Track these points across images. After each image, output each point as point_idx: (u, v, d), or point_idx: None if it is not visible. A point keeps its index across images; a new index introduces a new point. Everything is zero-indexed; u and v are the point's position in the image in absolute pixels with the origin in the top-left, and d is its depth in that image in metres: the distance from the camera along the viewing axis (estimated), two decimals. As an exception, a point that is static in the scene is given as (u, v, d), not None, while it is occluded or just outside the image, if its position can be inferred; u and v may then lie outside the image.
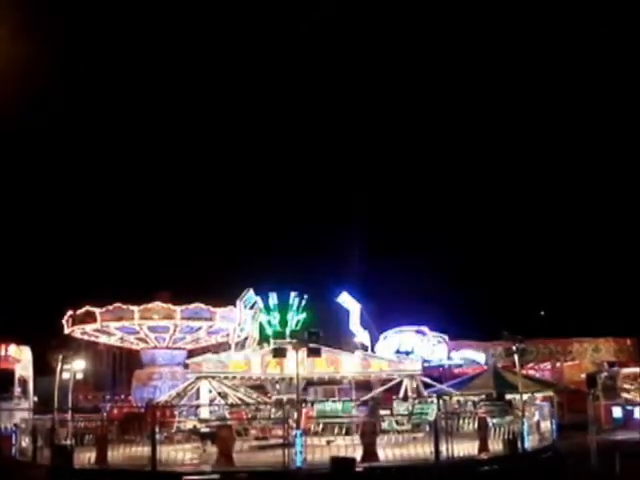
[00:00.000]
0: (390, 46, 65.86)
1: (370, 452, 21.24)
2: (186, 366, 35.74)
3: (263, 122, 67.55)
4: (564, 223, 63.29)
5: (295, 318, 34.80)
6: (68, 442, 23.00)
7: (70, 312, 40.86)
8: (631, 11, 54.59)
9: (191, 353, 41.57)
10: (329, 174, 65.59)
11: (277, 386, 33.99)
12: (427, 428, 25.67)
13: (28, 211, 58.35)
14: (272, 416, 27.08)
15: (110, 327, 40.18)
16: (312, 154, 65.12)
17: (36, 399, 36.78)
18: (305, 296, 35.19)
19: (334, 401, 32.35)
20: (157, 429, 21.90)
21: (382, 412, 27.81)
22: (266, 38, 64.66)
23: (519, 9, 63.30)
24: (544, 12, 62.27)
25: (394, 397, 32.81)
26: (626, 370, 42.79)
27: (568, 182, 64.17)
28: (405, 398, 32.03)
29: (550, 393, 37.66)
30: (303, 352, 25.81)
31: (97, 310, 39.64)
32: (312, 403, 31.05)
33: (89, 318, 40.09)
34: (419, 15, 63.89)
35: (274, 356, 29.54)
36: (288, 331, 33.95)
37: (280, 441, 21.89)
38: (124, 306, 39.43)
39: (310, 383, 35.97)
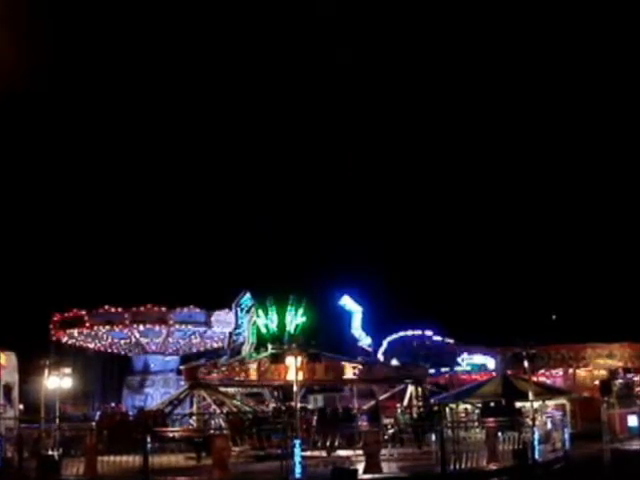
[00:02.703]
0: (387, 53, 66.50)
1: (373, 463, 21.22)
2: (179, 372, 35.78)
3: (262, 123, 67.82)
4: (578, 224, 63.30)
5: (294, 322, 34.78)
6: (55, 452, 22.98)
7: (57, 316, 40.89)
8: (631, 11, 54.98)
9: (185, 359, 41.59)
10: (329, 173, 65.71)
11: (275, 393, 34.01)
12: (433, 437, 25.65)
13: (13, 212, 58.32)
14: (270, 425, 27.07)
15: (99, 331, 40.21)
16: (311, 155, 65.33)
17: (22, 407, 36.74)
18: (304, 299, 35.19)
19: (335, 409, 32.33)
20: (149, 438, 21.89)
21: (386, 421, 27.83)
22: (266, 38, 65.12)
23: (519, 9, 63.78)
24: (544, 12, 62.69)
25: (398, 405, 32.82)
26: (642, 377, 42.71)
27: (585, 185, 64.29)
28: (410, 406, 32.05)
29: (562, 401, 37.60)
30: (302, 357, 25.81)
31: (86, 314, 39.66)
32: (312, 411, 31.06)
33: (77, 322, 40.14)
34: (419, 14, 64.40)
35: (272, 362, 29.57)
36: (287, 336, 33.95)
37: (278, 451, 21.89)
38: (114, 309, 39.47)
39: (310, 390, 36.01)
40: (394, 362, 36.31)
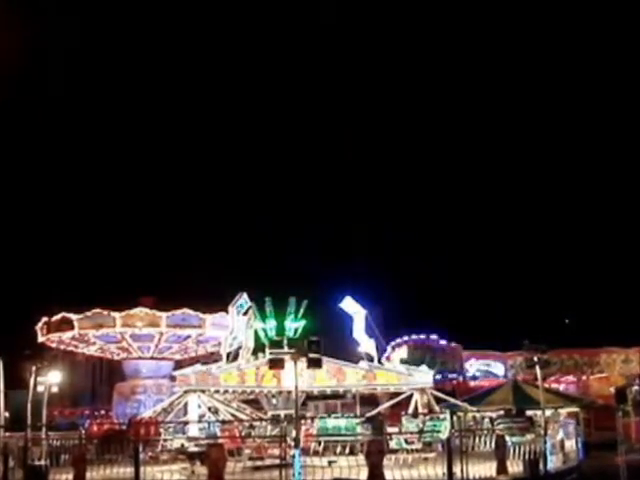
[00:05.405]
0: (385, 60, 66.95)
1: (376, 474, 21.23)
2: (173, 378, 35.72)
3: (262, 125, 68.22)
4: (591, 224, 63.36)
5: (293, 325, 34.77)
6: (42, 462, 23.01)
7: (45, 319, 40.89)
8: (631, 11, 55.40)
9: (178, 364, 41.59)
10: (330, 174, 65.95)
11: (273, 400, 33.98)
12: (439, 447, 25.66)
13: None
14: (268, 434, 27.06)
15: (89, 335, 40.22)
16: (312, 155, 65.64)
17: (7, 415, 36.75)
18: (304, 301, 35.18)
19: (336, 417, 32.31)
20: (141, 448, 21.91)
21: (390, 429, 27.79)
22: (265, 41, 65.61)
23: (518, 9, 64.27)
24: (544, 12, 63.08)
25: (403, 413, 32.75)
26: (659, 383, 42.69)
27: (598, 186, 64.42)
28: (415, 414, 31.98)
29: (575, 409, 37.65)
30: (302, 363, 25.77)
31: (74, 316, 39.65)
32: (312, 419, 31.03)
33: (65, 325, 40.12)
34: (419, 16, 65.01)
35: (270, 367, 29.46)
36: (286, 340, 33.90)
37: (277, 461, 21.92)
38: (104, 312, 39.46)
39: (310, 397, 35.99)
40: (399, 368, 36.20)
